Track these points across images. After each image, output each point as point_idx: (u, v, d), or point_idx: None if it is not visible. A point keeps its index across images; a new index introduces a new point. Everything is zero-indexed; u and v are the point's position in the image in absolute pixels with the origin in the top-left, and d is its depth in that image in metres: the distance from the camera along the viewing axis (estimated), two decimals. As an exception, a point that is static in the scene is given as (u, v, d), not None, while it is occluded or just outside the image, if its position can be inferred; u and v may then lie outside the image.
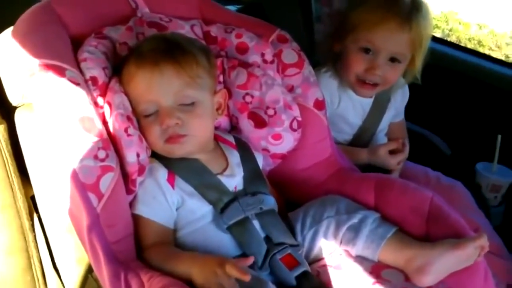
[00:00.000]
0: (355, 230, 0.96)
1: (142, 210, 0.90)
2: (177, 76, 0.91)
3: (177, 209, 0.92)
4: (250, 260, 0.82)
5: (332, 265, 0.97)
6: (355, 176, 1.13)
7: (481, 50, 3.61)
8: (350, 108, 1.34)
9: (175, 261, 0.84)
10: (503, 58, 3.50)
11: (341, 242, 0.97)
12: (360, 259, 0.96)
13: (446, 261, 0.89)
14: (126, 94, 0.92)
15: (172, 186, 0.92)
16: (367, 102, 1.35)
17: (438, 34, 3.58)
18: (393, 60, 1.24)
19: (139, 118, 0.93)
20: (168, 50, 0.92)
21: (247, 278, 0.77)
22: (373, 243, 0.95)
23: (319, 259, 1.00)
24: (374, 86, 1.27)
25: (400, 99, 1.42)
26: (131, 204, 0.91)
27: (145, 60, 0.91)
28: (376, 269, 0.94)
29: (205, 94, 0.96)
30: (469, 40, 3.82)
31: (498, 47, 3.80)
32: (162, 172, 0.93)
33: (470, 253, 0.90)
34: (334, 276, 0.94)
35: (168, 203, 0.91)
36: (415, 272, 0.90)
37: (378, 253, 0.94)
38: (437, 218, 0.97)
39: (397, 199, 1.02)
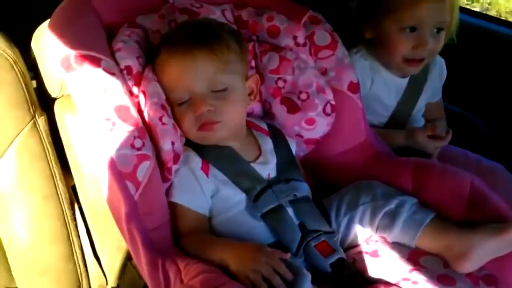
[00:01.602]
0: (392, 216, 0.94)
1: (178, 197, 0.91)
2: (209, 62, 0.91)
3: (211, 197, 0.93)
4: (287, 255, 0.82)
5: (368, 252, 0.95)
6: (392, 160, 1.10)
7: (522, 24, 3.44)
8: (384, 89, 1.30)
9: (210, 248, 0.85)
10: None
11: (377, 229, 0.96)
12: (397, 246, 0.94)
13: (487, 247, 0.87)
14: (160, 83, 0.93)
15: (207, 174, 0.93)
16: (402, 83, 1.31)
17: (477, 8, 3.43)
18: (438, 30, 1.21)
19: (172, 106, 0.93)
20: (199, 37, 0.92)
21: (283, 268, 0.77)
22: (411, 230, 0.92)
23: (354, 245, 0.98)
24: (421, 61, 1.24)
25: (437, 79, 1.37)
26: (168, 192, 0.91)
27: (178, 47, 0.91)
28: (413, 256, 0.92)
29: (238, 79, 0.95)
30: (510, 13, 3.65)
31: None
32: (196, 161, 0.93)
33: None
34: (370, 263, 0.93)
35: (203, 191, 0.92)
36: (456, 259, 0.88)
37: (416, 240, 0.92)
38: (478, 202, 0.94)
39: (436, 184, 0.99)
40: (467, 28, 1.25)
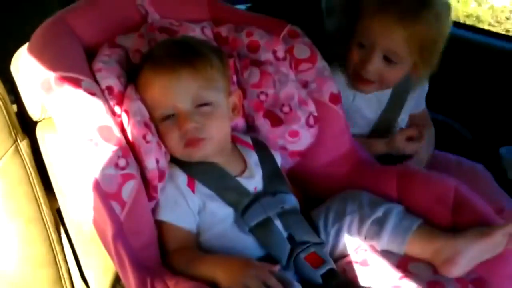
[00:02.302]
0: (380, 224, 0.95)
1: (164, 215, 0.91)
2: (193, 80, 0.91)
3: (198, 213, 0.92)
4: (276, 268, 0.82)
5: (358, 261, 0.96)
6: (376, 168, 1.11)
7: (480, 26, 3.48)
8: (365, 103, 1.31)
9: (198, 264, 0.84)
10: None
11: (365, 237, 0.96)
12: (386, 254, 0.95)
13: (474, 251, 0.87)
14: (143, 101, 0.93)
15: (193, 190, 0.92)
16: (384, 96, 1.32)
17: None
18: (387, 59, 1.17)
19: (157, 124, 0.93)
20: (183, 55, 0.92)
21: (273, 281, 0.77)
22: (399, 237, 0.93)
23: (344, 255, 0.99)
24: (370, 83, 1.22)
25: (419, 90, 1.38)
26: (154, 211, 0.91)
27: (161, 65, 0.91)
28: (403, 263, 0.92)
29: (221, 95, 0.96)
30: (468, 17, 3.71)
31: (498, 22, 3.69)
32: (182, 178, 0.93)
33: (498, 241, 0.88)
34: (361, 272, 0.93)
35: (189, 207, 0.91)
36: (443, 264, 0.89)
37: (404, 247, 0.93)
38: (462, 207, 0.95)
39: (420, 190, 1.00)
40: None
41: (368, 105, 1.31)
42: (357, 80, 1.23)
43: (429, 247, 0.91)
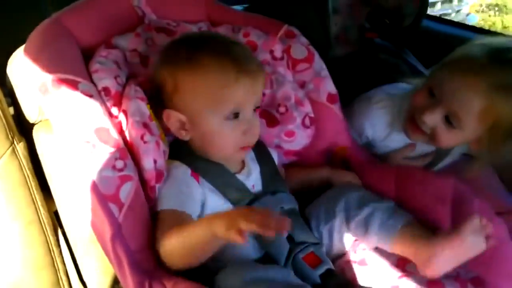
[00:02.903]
0: (365, 225, 0.94)
1: (166, 204, 0.88)
2: (263, 85, 0.93)
3: (201, 207, 0.90)
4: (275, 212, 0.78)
5: (356, 260, 0.96)
6: (375, 168, 1.11)
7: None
8: (397, 144, 1.19)
9: (192, 229, 0.78)
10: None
11: (355, 238, 0.96)
12: (385, 253, 0.94)
13: (447, 253, 0.85)
14: (211, 93, 0.88)
15: (198, 181, 0.91)
16: (425, 149, 1.19)
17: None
18: (448, 120, 1.04)
19: (214, 119, 0.90)
20: (254, 57, 0.94)
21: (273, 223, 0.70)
22: (385, 236, 0.92)
23: (342, 255, 0.98)
24: (421, 133, 1.09)
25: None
26: (154, 206, 0.90)
27: (246, 66, 0.89)
28: (402, 262, 0.92)
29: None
30: None
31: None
32: (185, 170, 0.92)
33: (472, 241, 0.85)
34: (359, 272, 0.93)
35: (194, 195, 0.89)
36: (421, 265, 0.87)
37: (391, 246, 0.92)
38: (461, 205, 0.95)
39: (418, 189, 1.00)
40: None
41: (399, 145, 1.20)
42: (410, 123, 1.11)
43: (411, 248, 0.90)
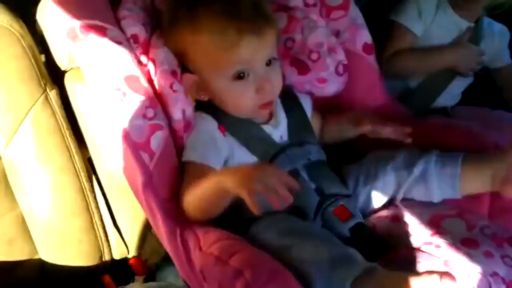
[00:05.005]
0: (423, 182, 0.91)
1: (190, 155, 0.88)
2: (272, 40, 0.90)
3: (226, 162, 0.90)
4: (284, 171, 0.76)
5: (389, 216, 0.93)
6: (413, 123, 1.05)
7: None
8: (442, 29, 1.27)
9: (205, 183, 0.78)
10: None
11: (411, 196, 0.94)
12: (418, 210, 0.91)
13: None
14: (213, 56, 0.86)
15: (223, 133, 0.91)
16: (465, 27, 1.28)
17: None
18: None
19: (221, 81, 0.89)
20: (264, 13, 0.89)
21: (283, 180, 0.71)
22: (448, 185, 0.90)
23: (375, 211, 0.96)
24: None
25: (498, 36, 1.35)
26: (181, 156, 0.90)
27: (247, 23, 0.85)
28: (435, 219, 0.89)
29: (276, 50, 0.93)
30: None
31: None
32: (213, 122, 0.91)
33: None
34: (391, 228, 0.91)
35: (218, 149, 0.89)
36: (503, 186, 0.85)
37: (461, 192, 0.90)
38: None
39: (460, 142, 0.96)
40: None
41: (445, 33, 1.28)
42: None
43: (482, 176, 0.87)
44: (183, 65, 0.92)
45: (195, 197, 0.81)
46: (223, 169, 0.85)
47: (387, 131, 0.96)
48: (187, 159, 0.88)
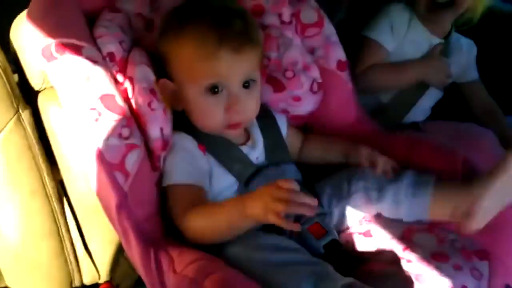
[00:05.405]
0: (395, 204, 0.92)
1: (175, 178, 0.88)
2: (252, 58, 0.89)
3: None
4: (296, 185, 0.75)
5: (361, 232, 0.95)
6: (384, 137, 1.09)
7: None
8: (414, 44, 1.30)
9: (221, 210, 0.80)
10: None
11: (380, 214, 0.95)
12: (390, 225, 0.93)
13: (488, 200, 0.83)
14: (191, 65, 0.87)
15: (204, 153, 0.91)
16: (436, 43, 1.31)
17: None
18: None
19: (194, 92, 0.89)
20: (247, 30, 0.89)
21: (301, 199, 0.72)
22: (419, 209, 0.91)
23: (347, 227, 0.98)
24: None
25: (466, 52, 1.39)
26: (160, 180, 0.89)
27: (228, 38, 0.86)
28: (407, 234, 0.91)
29: (258, 72, 0.94)
30: None
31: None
32: (192, 141, 0.91)
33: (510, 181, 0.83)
34: (364, 243, 0.93)
35: (201, 167, 0.89)
36: (464, 221, 0.85)
37: (428, 214, 0.90)
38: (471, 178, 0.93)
39: (428, 160, 0.98)
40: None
41: (416, 48, 1.31)
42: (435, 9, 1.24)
43: (448, 207, 0.87)
44: (161, 71, 0.92)
45: (209, 223, 0.81)
46: (237, 198, 0.85)
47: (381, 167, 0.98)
48: (176, 181, 0.88)
